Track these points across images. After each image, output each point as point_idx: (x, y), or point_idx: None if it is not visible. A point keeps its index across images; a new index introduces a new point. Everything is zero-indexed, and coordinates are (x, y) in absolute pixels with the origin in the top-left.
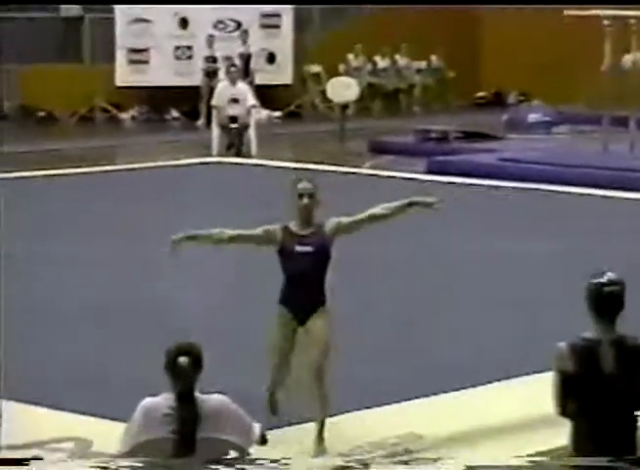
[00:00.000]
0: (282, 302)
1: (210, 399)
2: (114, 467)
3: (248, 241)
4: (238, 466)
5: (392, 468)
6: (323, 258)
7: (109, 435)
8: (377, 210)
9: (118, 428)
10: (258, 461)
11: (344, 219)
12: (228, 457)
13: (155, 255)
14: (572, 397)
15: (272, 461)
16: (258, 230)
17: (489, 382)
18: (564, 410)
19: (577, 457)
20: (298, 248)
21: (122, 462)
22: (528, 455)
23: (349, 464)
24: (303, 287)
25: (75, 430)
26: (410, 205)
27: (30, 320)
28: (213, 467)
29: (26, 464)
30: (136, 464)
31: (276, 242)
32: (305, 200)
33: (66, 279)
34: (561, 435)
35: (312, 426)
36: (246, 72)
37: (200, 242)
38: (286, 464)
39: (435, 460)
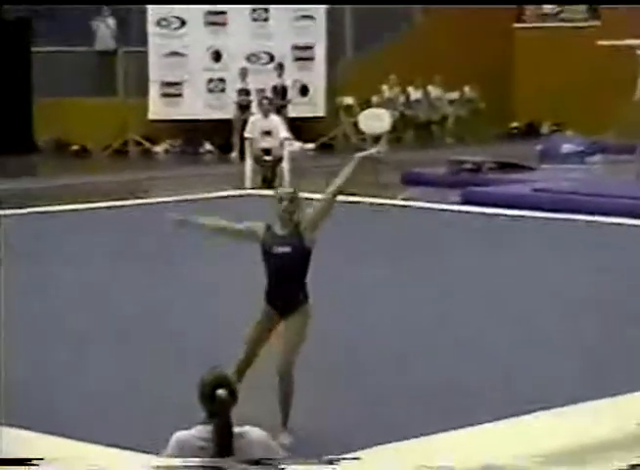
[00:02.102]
0: (266, 299)
1: (248, 432)
2: None
3: (232, 235)
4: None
5: None
6: (302, 258)
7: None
8: (334, 185)
9: (147, 459)
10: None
11: (311, 211)
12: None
13: (184, 282)
14: None
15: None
16: (242, 225)
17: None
18: None
19: None
20: (277, 249)
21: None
22: None
23: None
24: (284, 285)
25: (91, 459)
26: (358, 161)
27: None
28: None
29: (27, 464)
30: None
31: (258, 240)
32: (285, 203)
33: (95, 304)
34: None
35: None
36: (282, 105)
37: (195, 228)
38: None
39: None
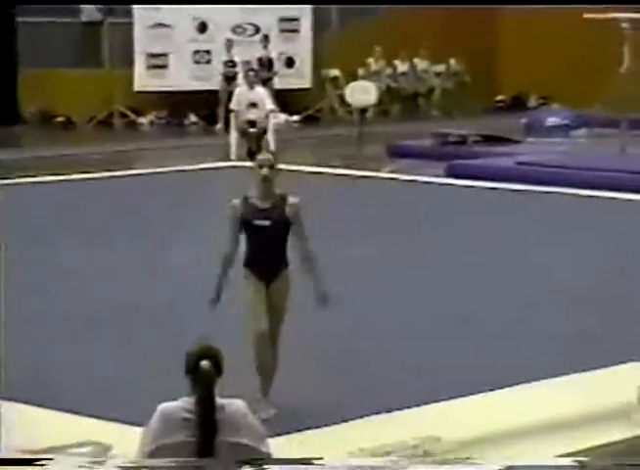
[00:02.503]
0: (246, 264)
1: (230, 404)
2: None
3: (237, 240)
4: (265, 467)
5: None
6: (282, 231)
7: (127, 439)
8: (305, 248)
9: (137, 432)
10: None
11: (301, 222)
12: (254, 458)
13: (170, 260)
14: None
15: (303, 462)
16: (231, 224)
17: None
18: None
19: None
20: (257, 221)
21: (145, 464)
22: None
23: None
24: (264, 255)
25: (94, 434)
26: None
27: (46, 326)
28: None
29: (30, 465)
30: (159, 466)
31: (240, 215)
32: (265, 170)
33: (80, 283)
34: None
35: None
36: (268, 77)
37: (225, 277)
38: (319, 464)
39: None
